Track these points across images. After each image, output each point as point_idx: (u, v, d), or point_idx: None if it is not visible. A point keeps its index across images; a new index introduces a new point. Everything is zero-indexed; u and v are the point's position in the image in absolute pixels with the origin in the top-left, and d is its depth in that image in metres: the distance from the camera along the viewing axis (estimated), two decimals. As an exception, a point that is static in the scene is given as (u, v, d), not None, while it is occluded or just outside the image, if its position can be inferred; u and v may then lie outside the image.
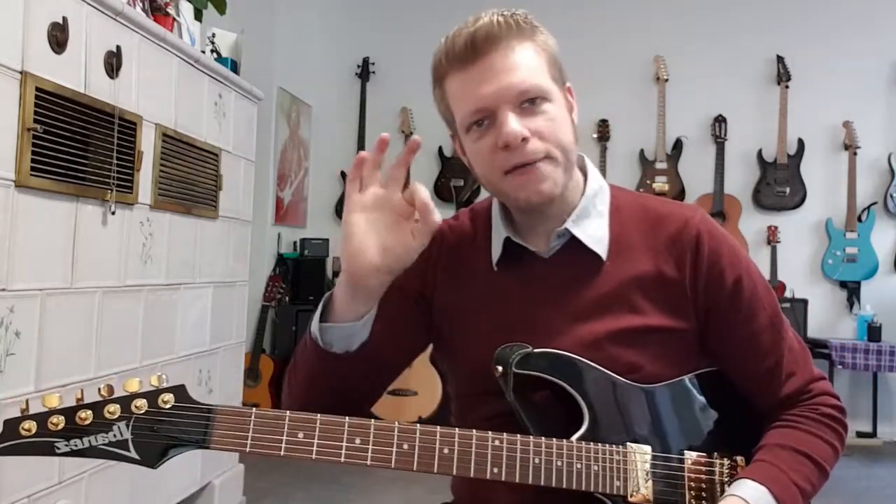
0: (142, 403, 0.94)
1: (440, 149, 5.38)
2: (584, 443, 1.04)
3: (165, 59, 2.47)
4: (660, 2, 5.30)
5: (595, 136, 5.22)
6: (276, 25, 4.93)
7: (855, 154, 4.99)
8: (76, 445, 0.91)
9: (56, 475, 1.97)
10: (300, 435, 0.97)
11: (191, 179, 2.67)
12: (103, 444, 0.92)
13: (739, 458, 1.11)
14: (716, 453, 1.10)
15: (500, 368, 1.06)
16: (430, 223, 1.01)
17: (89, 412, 0.92)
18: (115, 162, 2.15)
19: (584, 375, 1.08)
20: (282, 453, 0.96)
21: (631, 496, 1.04)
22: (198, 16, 2.81)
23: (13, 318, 1.79)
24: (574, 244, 1.14)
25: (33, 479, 1.89)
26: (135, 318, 2.35)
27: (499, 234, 1.18)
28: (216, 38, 3.11)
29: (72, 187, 1.99)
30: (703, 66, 5.20)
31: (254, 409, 0.98)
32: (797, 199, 5.10)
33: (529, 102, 1.07)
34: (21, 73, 1.79)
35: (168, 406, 0.95)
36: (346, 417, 0.98)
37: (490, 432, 1.01)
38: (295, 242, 5.22)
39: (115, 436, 0.93)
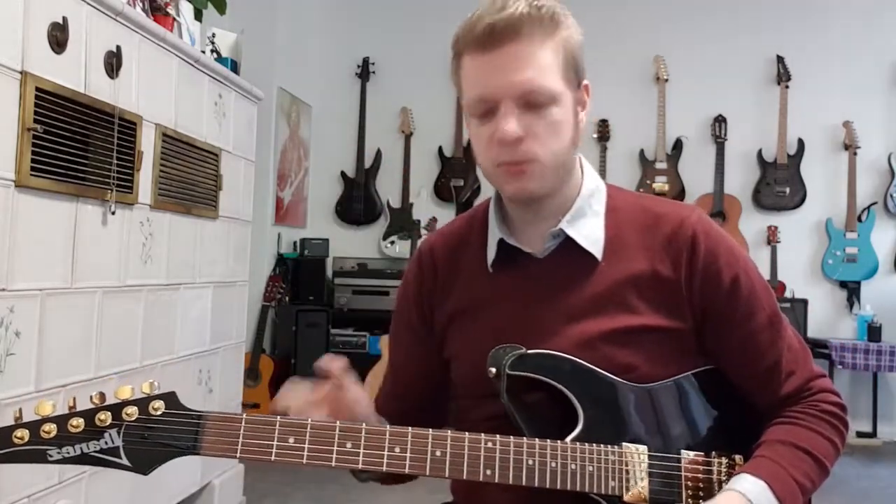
0: (132, 411, 0.94)
1: (440, 149, 5.38)
2: (578, 443, 1.04)
3: (165, 59, 2.47)
4: (660, 2, 5.30)
5: (595, 136, 5.22)
6: (276, 25, 4.93)
7: (855, 154, 4.99)
8: (68, 453, 0.92)
9: (56, 475, 1.97)
10: (291, 440, 0.97)
11: (191, 179, 2.67)
12: (95, 452, 0.93)
13: (738, 457, 1.11)
14: (714, 452, 1.10)
15: (493, 370, 1.06)
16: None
17: (81, 420, 0.93)
18: (115, 162, 2.15)
19: (578, 376, 1.08)
20: (272, 458, 0.96)
21: (627, 496, 1.04)
22: (198, 16, 2.81)
23: (13, 318, 1.79)
24: (569, 244, 1.14)
25: (33, 480, 1.89)
26: (135, 318, 2.35)
27: (494, 235, 1.18)
28: (216, 38, 3.12)
29: (72, 187, 1.99)
30: (703, 66, 5.20)
31: (244, 414, 0.98)
32: (797, 199, 5.10)
33: (534, 102, 1.06)
34: (21, 73, 1.79)
35: (158, 413, 0.95)
36: (337, 422, 0.99)
37: (483, 434, 1.02)
38: (295, 242, 5.22)
39: (106, 443, 0.93)
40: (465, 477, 1.00)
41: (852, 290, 5.02)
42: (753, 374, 1.14)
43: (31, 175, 1.83)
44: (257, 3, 4.60)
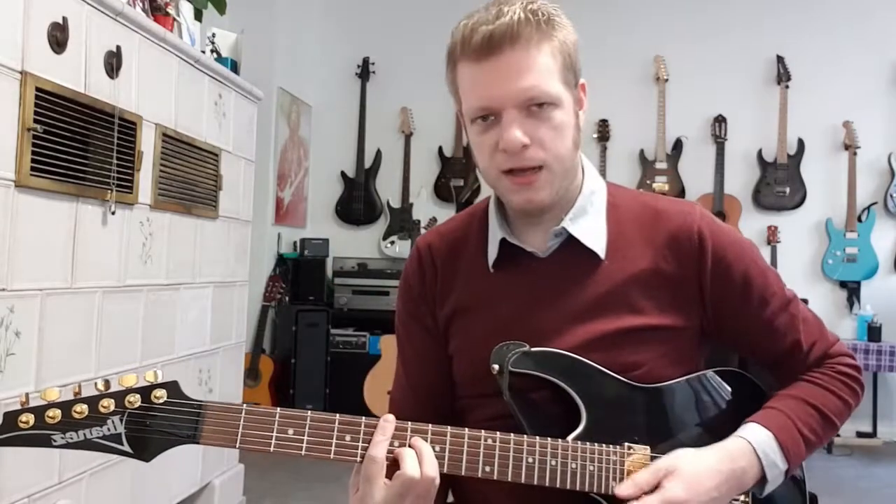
0: (135, 398, 0.95)
1: (440, 149, 5.38)
2: (579, 442, 1.04)
3: (165, 59, 2.47)
4: (660, 2, 5.29)
5: (595, 136, 5.22)
6: (276, 25, 4.93)
7: (855, 154, 4.98)
8: (72, 438, 0.94)
9: (56, 475, 1.97)
10: (290, 431, 0.97)
11: (191, 179, 2.67)
12: (97, 438, 0.94)
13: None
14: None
15: (496, 367, 1.06)
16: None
17: (84, 406, 0.94)
18: (115, 162, 2.15)
19: (581, 374, 1.08)
20: (271, 449, 0.96)
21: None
22: (198, 16, 2.81)
23: (13, 318, 1.79)
24: (571, 243, 1.14)
25: (33, 479, 1.89)
26: (135, 318, 2.35)
27: (495, 235, 1.18)
28: (216, 38, 3.12)
29: (72, 187, 1.99)
30: (703, 66, 5.20)
31: (244, 405, 0.98)
32: (797, 199, 5.10)
33: (537, 107, 1.06)
34: (21, 73, 1.79)
35: (160, 401, 0.96)
36: (337, 415, 0.99)
37: (483, 431, 1.01)
38: (295, 242, 5.22)
39: (108, 429, 0.95)
40: (463, 473, 1.00)
41: (852, 290, 5.02)
42: (776, 355, 1.18)
43: (31, 175, 1.83)
44: (257, 3, 4.61)
